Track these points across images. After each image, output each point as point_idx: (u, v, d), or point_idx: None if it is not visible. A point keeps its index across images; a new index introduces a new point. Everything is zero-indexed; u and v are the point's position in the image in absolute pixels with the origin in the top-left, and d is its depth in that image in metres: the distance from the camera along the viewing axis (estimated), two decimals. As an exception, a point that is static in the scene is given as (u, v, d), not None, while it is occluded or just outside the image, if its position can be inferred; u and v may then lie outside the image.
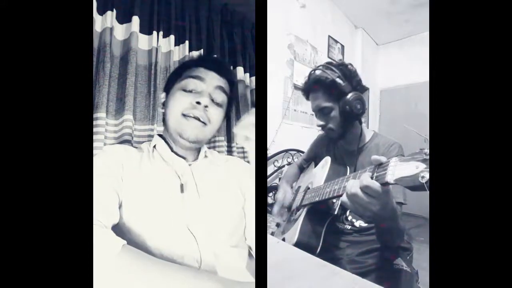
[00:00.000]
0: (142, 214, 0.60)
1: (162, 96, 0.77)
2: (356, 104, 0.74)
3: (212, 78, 0.72)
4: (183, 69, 0.75)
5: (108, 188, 0.58)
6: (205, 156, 0.76)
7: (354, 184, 0.49)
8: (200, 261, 0.58)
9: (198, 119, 0.68)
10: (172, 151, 0.71)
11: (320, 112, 0.80)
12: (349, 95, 0.74)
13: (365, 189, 0.47)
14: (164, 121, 0.73)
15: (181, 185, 0.65)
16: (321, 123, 0.81)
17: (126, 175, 0.63)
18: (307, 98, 0.85)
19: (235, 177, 0.74)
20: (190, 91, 0.69)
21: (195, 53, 1.10)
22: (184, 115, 0.68)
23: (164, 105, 0.74)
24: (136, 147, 0.73)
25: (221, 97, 0.73)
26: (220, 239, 0.64)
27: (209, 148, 0.84)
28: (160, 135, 0.75)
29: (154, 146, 0.71)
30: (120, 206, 0.59)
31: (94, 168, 0.59)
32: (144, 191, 0.62)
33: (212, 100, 0.70)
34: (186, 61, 0.80)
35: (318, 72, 0.79)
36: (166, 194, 0.63)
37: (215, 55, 1.13)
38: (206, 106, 0.68)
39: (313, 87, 0.80)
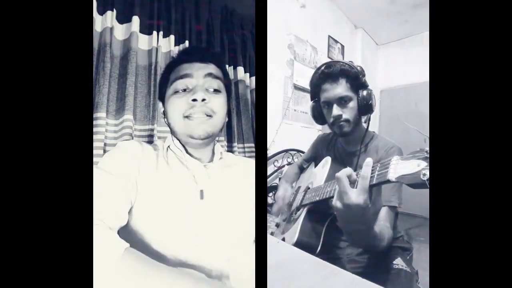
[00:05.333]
0: (153, 217, 0.59)
1: (160, 106, 0.76)
2: (373, 100, 0.78)
3: (198, 69, 0.69)
4: (169, 72, 0.73)
5: (116, 188, 0.56)
6: (221, 158, 0.74)
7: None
8: (212, 267, 0.57)
9: (202, 115, 0.66)
10: (187, 152, 0.69)
11: (339, 101, 0.79)
12: (367, 89, 0.78)
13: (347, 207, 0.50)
14: (170, 128, 0.71)
15: (201, 191, 0.63)
16: (339, 113, 0.79)
17: (142, 174, 0.61)
18: (319, 87, 0.82)
19: (250, 180, 0.72)
20: (184, 90, 0.67)
21: (176, 49, 1.07)
22: (186, 116, 0.66)
23: (164, 114, 0.72)
24: (152, 145, 0.72)
25: (216, 83, 0.70)
26: (233, 244, 0.62)
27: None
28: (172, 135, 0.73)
29: (169, 147, 0.70)
30: (132, 207, 0.58)
31: (106, 166, 0.58)
32: (159, 193, 0.60)
33: (207, 90, 0.68)
34: (168, 62, 0.78)
35: (340, 64, 0.79)
36: (182, 197, 0.62)
37: (192, 45, 1.10)
38: (203, 100, 0.65)
39: (337, 75, 0.79)
